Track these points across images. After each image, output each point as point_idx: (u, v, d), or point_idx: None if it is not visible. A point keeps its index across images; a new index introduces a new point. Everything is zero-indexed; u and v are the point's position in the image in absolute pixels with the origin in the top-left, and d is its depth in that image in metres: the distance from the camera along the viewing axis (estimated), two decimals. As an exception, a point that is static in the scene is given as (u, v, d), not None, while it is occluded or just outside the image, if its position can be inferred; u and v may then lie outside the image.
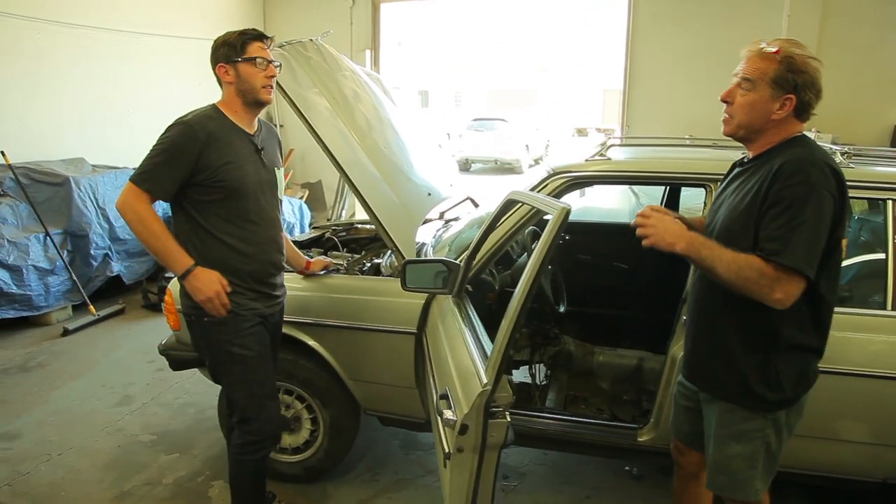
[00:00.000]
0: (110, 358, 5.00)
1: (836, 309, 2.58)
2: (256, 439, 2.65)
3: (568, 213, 1.66)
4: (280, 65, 2.57)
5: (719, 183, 2.19)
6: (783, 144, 1.91)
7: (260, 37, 2.48)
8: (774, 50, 1.85)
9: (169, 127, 2.42)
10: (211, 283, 2.43)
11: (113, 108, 7.45)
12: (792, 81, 1.83)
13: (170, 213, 2.56)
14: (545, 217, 1.88)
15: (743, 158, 2.07)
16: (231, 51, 2.44)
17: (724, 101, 1.96)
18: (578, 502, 3.20)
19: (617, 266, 4.10)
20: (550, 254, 1.70)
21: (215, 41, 2.49)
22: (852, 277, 2.98)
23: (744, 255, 1.79)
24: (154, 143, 2.41)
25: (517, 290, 1.73)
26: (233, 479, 2.77)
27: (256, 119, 2.60)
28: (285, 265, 2.79)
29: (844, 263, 3.17)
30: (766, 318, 1.89)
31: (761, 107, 1.88)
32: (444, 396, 1.93)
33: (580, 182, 2.82)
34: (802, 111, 1.89)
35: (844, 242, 2.00)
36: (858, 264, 3.06)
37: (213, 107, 2.50)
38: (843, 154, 2.70)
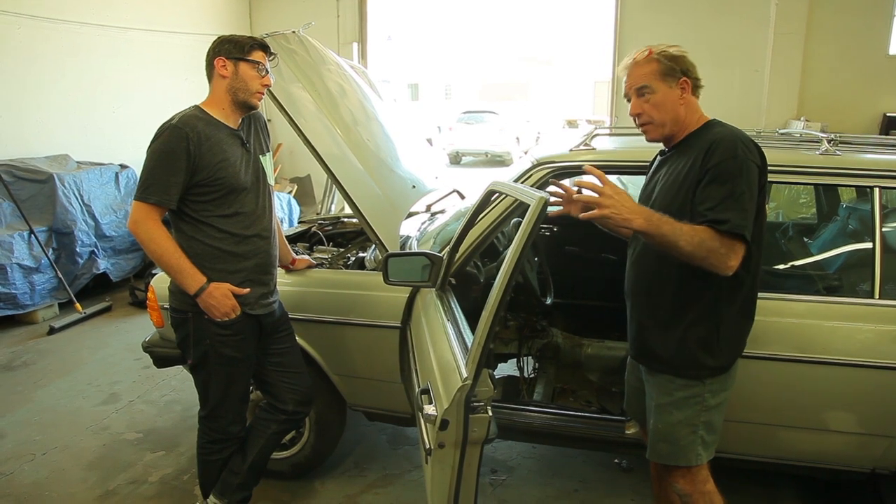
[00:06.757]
0: (97, 356, 4.96)
1: (825, 298, 2.61)
2: (220, 437, 2.66)
3: (546, 202, 1.62)
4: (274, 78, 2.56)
5: (647, 173, 2.29)
6: (701, 128, 2.07)
7: (266, 47, 2.49)
8: (647, 52, 2.06)
9: (157, 134, 2.38)
10: (226, 300, 2.45)
11: (98, 103, 7.36)
12: (676, 68, 2.03)
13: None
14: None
15: (664, 149, 2.20)
16: (235, 48, 2.43)
17: (634, 116, 2.11)
18: (567, 495, 3.18)
19: (606, 258, 4.07)
20: (529, 245, 1.67)
21: (220, 37, 2.48)
22: (840, 266, 2.96)
23: (699, 227, 1.84)
24: (146, 153, 2.38)
25: (496, 282, 1.70)
26: (202, 481, 2.77)
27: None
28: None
29: (832, 252, 3.18)
30: (702, 288, 2.00)
31: (669, 100, 2.04)
32: (426, 391, 1.90)
33: (564, 172, 2.78)
34: (696, 88, 2.08)
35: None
36: (846, 253, 3.04)
37: (197, 107, 2.47)
38: (829, 142, 2.68)
